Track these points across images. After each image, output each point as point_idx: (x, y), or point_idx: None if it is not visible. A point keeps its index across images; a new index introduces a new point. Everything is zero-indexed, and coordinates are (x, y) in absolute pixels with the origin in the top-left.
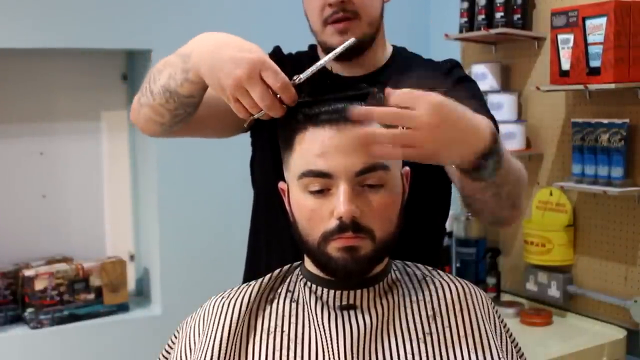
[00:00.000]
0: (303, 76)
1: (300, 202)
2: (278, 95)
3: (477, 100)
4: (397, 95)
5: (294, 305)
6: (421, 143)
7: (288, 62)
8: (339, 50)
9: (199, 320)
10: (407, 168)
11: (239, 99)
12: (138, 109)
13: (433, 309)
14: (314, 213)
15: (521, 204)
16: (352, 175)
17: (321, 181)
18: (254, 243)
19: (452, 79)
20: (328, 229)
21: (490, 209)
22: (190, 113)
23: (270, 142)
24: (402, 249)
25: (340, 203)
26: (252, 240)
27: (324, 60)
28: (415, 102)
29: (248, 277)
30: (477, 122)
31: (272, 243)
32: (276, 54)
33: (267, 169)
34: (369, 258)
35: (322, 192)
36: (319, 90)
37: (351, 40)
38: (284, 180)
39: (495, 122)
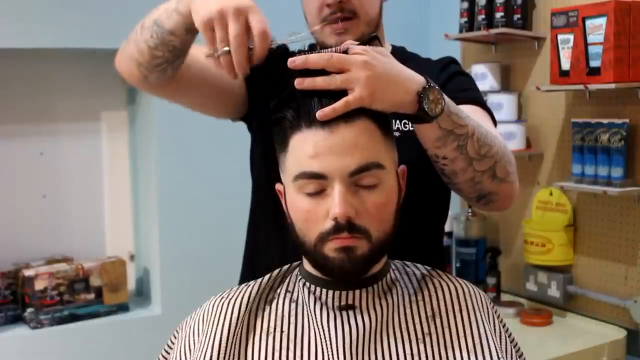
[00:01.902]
0: (278, 40)
1: (296, 203)
2: (250, 47)
3: (471, 91)
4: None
5: (293, 305)
6: (357, 81)
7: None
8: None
9: (199, 320)
10: (404, 166)
11: (214, 29)
12: (124, 47)
13: (432, 309)
14: (310, 214)
15: (506, 177)
16: (346, 176)
17: (316, 182)
18: (253, 239)
19: (447, 74)
20: (324, 230)
21: (464, 172)
22: (169, 61)
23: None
24: (401, 248)
25: (335, 204)
26: (250, 236)
27: (296, 36)
28: (350, 50)
29: (246, 276)
30: (408, 69)
31: (272, 239)
32: (279, 50)
33: (268, 163)
34: (365, 258)
35: (317, 193)
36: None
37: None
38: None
39: (492, 115)
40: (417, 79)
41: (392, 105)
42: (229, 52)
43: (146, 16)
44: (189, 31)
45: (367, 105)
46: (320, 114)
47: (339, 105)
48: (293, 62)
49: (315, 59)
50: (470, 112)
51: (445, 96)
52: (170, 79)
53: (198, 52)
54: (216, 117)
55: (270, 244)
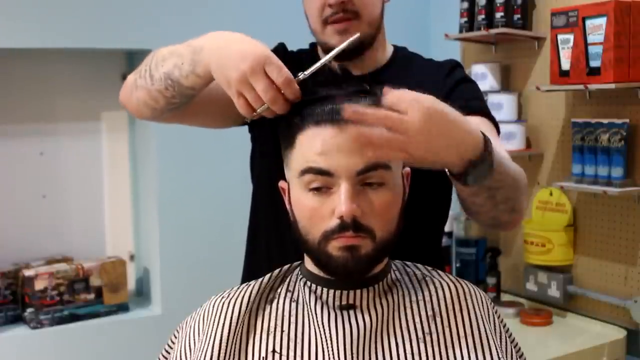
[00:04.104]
0: (307, 72)
1: (300, 200)
2: (282, 92)
3: (477, 101)
4: (392, 96)
5: (293, 305)
6: (411, 149)
7: (290, 60)
8: (343, 46)
9: (199, 320)
10: (408, 169)
11: (243, 94)
12: (131, 90)
13: (433, 309)
14: (315, 212)
15: (521, 209)
16: (353, 174)
17: (322, 179)
18: (253, 240)
19: (452, 80)
20: (329, 228)
21: (487, 212)
22: (185, 103)
23: (273, 135)
24: (402, 249)
25: (341, 202)
26: (251, 237)
27: (328, 57)
28: (407, 106)
29: (247, 275)
30: (468, 129)
31: (273, 240)
32: (279, 51)
33: (269, 163)
34: (369, 257)
35: (323, 191)
36: (322, 86)
37: (355, 37)
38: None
39: (495, 123)
40: (471, 142)
41: (438, 167)
42: (267, 107)
43: (150, 64)
44: (209, 83)
45: (411, 165)
46: (347, 109)
47: (384, 149)
48: (350, 113)
49: (373, 116)
50: (474, 124)
51: (497, 156)
52: (179, 110)
53: None
54: (222, 128)
55: (270, 247)
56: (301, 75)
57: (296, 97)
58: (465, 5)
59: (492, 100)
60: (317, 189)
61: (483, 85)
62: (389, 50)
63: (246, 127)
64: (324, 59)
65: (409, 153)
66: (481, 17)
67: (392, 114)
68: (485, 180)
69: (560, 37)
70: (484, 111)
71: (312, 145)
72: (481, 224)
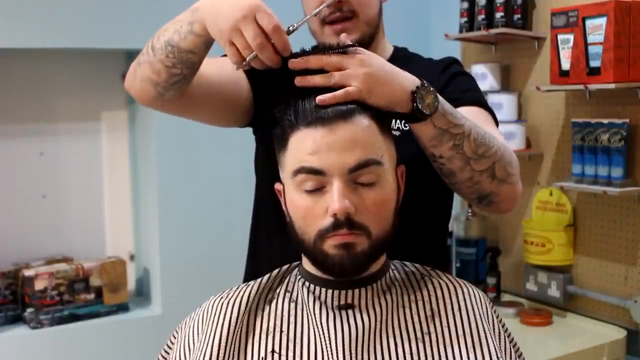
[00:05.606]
0: (296, 25)
1: (294, 200)
2: (272, 42)
3: (472, 92)
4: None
5: (292, 305)
6: (355, 78)
7: None
8: (327, 3)
9: (198, 320)
10: (403, 166)
11: (234, 42)
12: (135, 70)
13: (432, 309)
14: (309, 211)
15: (506, 178)
16: (345, 172)
17: (314, 178)
18: (255, 241)
19: (447, 75)
20: (323, 227)
21: (463, 174)
22: (186, 77)
23: None
24: (405, 247)
25: (334, 200)
26: (253, 238)
27: (315, 11)
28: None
29: (249, 277)
30: (402, 70)
31: (274, 241)
32: None
33: (272, 164)
34: (365, 255)
35: (316, 190)
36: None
37: None
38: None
39: (494, 115)
40: (411, 79)
41: (388, 102)
42: (256, 56)
43: (152, 39)
44: (209, 46)
45: (364, 99)
46: (319, 98)
47: (339, 93)
48: (293, 63)
49: (314, 60)
50: (472, 114)
51: (440, 97)
52: (182, 93)
53: (204, 66)
54: (225, 126)
55: (272, 248)
56: (291, 27)
57: (284, 47)
58: (465, 5)
59: (492, 100)
60: (310, 189)
61: (483, 85)
62: (389, 50)
63: (246, 128)
64: (312, 13)
65: (357, 84)
66: (481, 17)
67: (332, 54)
68: (434, 112)
69: (560, 37)
70: (479, 102)
71: (304, 146)
72: (468, 197)
